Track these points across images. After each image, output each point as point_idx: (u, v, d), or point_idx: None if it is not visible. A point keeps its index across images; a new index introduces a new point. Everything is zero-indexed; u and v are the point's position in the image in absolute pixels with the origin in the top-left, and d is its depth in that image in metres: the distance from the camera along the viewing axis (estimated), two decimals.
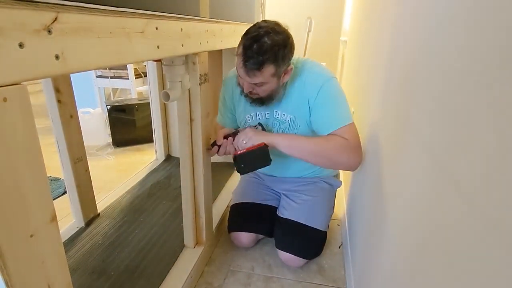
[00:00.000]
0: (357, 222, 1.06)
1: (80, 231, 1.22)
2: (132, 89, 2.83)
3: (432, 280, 0.41)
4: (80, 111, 2.13)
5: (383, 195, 0.72)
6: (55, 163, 1.21)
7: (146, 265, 1.05)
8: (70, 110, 1.12)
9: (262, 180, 1.31)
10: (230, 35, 1.16)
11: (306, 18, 2.28)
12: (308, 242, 1.13)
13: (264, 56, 0.87)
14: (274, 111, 1.08)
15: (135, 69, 2.82)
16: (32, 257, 0.41)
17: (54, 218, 0.43)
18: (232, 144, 1.01)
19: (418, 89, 0.54)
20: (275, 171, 1.23)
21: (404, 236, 0.54)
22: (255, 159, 0.97)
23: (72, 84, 1.12)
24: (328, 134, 0.98)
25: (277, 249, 1.16)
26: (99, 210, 1.34)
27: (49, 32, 0.39)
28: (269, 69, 0.89)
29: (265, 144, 0.95)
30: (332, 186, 1.23)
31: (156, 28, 0.64)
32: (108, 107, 2.28)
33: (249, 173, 1.25)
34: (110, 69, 2.80)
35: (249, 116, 1.12)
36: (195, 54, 0.89)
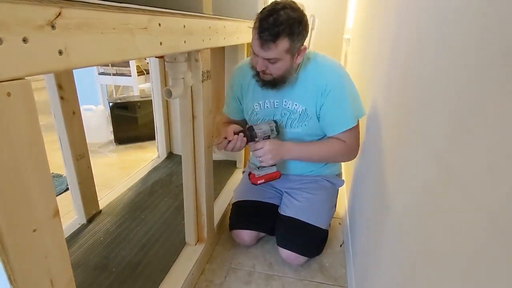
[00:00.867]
0: (358, 221, 1.06)
1: (82, 228, 1.22)
2: (135, 86, 2.83)
3: (433, 279, 0.41)
4: (83, 108, 2.14)
5: (384, 194, 0.72)
6: (58, 160, 1.22)
7: (148, 262, 1.05)
8: (73, 107, 1.13)
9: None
10: (233, 32, 1.15)
11: (309, 15, 2.27)
12: (309, 240, 1.13)
13: (280, 27, 0.88)
14: (283, 100, 1.08)
15: (138, 66, 2.82)
16: (35, 251, 0.41)
17: (56, 213, 0.44)
18: (242, 141, 1.04)
19: (421, 87, 0.54)
20: (278, 169, 1.23)
21: (405, 235, 0.54)
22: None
23: (75, 81, 1.12)
24: (330, 137, 1.08)
25: (278, 246, 1.16)
26: (101, 207, 1.35)
27: (53, 27, 0.39)
28: (284, 43, 0.90)
29: (280, 174, 1.11)
30: (335, 185, 1.23)
31: (159, 25, 0.64)
32: (110, 104, 2.28)
33: None
34: (112, 66, 2.80)
35: (257, 104, 1.13)
36: (198, 51, 0.89)
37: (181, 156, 1.02)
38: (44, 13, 0.38)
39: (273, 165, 1.09)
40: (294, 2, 0.94)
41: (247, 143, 1.05)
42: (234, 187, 1.40)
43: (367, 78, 1.24)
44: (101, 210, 1.34)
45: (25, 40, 0.36)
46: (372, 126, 0.98)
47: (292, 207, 1.16)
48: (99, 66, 2.80)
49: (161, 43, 0.65)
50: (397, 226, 0.60)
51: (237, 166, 1.85)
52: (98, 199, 1.34)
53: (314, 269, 1.14)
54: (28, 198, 0.39)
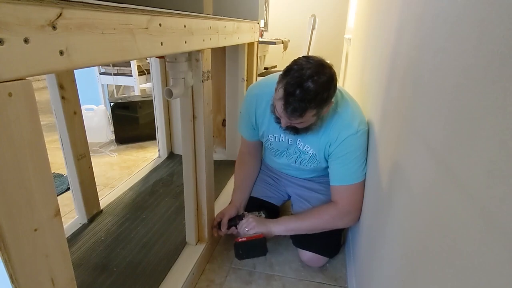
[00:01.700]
0: (359, 220, 1.06)
1: (83, 228, 1.22)
2: (136, 86, 2.83)
3: (433, 279, 0.41)
4: (84, 108, 2.14)
5: (384, 194, 0.72)
6: (59, 159, 1.22)
7: (148, 261, 1.05)
8: (74, 107, 1.13)
9: (277, 179, 1.30)
10: (234, 32, 1.16)
11: (310, 15, 2.27)
12: (329, 239, 1.12)
13: (308, 104, 0.83)
14: (298, 139, 1.08)
15: (139, 66, 2.82)
16: (36, 251, 0.41)
17: (57, 213, 0.44)
18: (233, 231, 1.12)
19: (421, 87, 0.54)
20: (288, 171, 1.25)
21: (405, 235, 0.54)
22: (253, 248, 1.07)
23: (76, 81, 1.12)
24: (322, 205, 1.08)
25: (298, 248, 1.15)
26: (102, 207, 1.35)
27: (54, 28, 0.39)
28: (312, 112, 0.87)
29: (263, 236, 1.06)
30: None
31: (160, 25, 0.64)
32: (112, 104, 2.28)
33: (264, 170, 1.33)
34: (113, 66, 2.80)
35: (272, 136, 1.13)
36: (198, 51, 0.89)
37: (181, 156, 1.03)
38: (45, 13, 0.38)
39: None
40: (321, 64, 0.87)
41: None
42: None
43: (367, 78, 1.24)
44: (102, 210, 1.34)
45: (26, 41, 0.36)
46: (372, 126, 0.98)
47: (306, 207, 1.16)
48: (100, 66, 2.81)
49: (161, 43, 0.65)
50: (397, 226, 0.60)
51: None
52: (99, 199, 1.34)
53: (315, 269, 1.14)
54: (29, 198, 0.39)
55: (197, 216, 1.10)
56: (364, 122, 1.01)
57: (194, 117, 0.98)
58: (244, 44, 1.61)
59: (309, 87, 0.82)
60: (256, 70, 1.81)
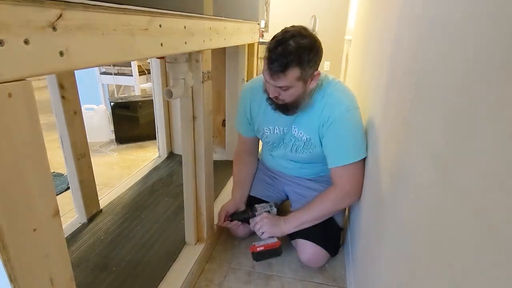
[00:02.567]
0: (357, 221, 1.06)
1: (83, 227, 1.22)
2: (136, 86, 2.83)
3: (432, 280, 0.41)
4: (84, 107, 2.14)
5: (383, 195, 0.72)
6: (59, 159, 1.22)
7: (148, 261, 1.05)
8: (74, 106, 1.13)
9: (275, 179, 1.30)
10: (234, 33, 1.16)
11: (310, 16, 2.27)
12: (330, 233, 1.13)
13: (289, 57, 0.86)
14: (293, 127, 1.09)
15: (139, 66, 2.83)
16: (35, 250, 0.41)
17: (57, 213, 0.44)
18: (241, 226, 1.16)
19: (421, 90, 0.54)
20: (288, 171, 1.25)
21: (404, 236, 0.54)
22: (269, 254, 1.12)
23: (76, 81, 1.13)
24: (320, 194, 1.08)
25: (297, 248, 1.14)
26: (101, 206, 1.35)
27: (54, 29, 0.40)
28: (294, 72, 0.88)
29: (280, 244, 1.10)
30: None
31: (160, 26, 0.64)
32: (112, 103, 2.29)
33: (262, 169, 1.34)
34: (114, 66, 2.80)
35: (267, 128, 1.14)
36: (198, 51, 0.89)
37: (181, 156, 1.03)
38: (45, 14, 0.38)
39: (273, 237, 1.11)
40: (304, 28, 0.92)
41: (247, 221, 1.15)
42: None
43: (367, 79, 1.25)
44: (101, 209, 1.34)
45: (26, 42, 0.36)
46: (371, 128, 0.98)
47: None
48: (101, 66, 2.81)
49: (161, 44, 0.65)
50: (396, 227, 0.60)
51: None
52: (99, 198, 1.35)
53: (313, 269, 1.14)
54: (28, 198, 0.39)
55: (196, 216, 1.11)
56: (355, 101, 1.03)
57: (194, 117, 0.98)
58: (245, 44, 1.62)
59: (290, 44, 0.87)
60: (257, 70, 1.81)
